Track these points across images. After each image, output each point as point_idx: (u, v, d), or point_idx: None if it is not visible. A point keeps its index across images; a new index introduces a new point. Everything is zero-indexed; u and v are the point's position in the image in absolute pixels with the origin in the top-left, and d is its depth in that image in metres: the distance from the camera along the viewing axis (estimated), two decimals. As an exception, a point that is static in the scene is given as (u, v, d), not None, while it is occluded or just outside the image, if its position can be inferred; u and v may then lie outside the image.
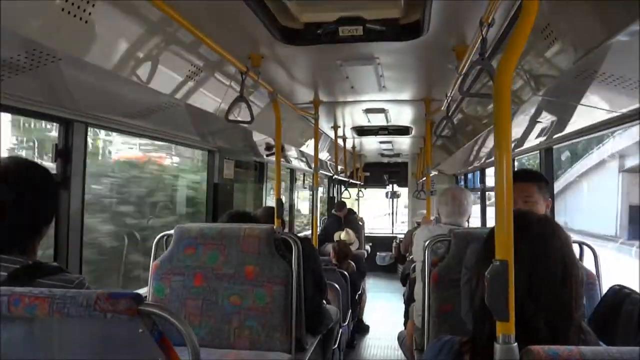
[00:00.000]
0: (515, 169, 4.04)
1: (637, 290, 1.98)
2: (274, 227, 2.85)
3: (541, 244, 1.18)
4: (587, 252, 2.54)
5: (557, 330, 1.13)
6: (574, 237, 2.06)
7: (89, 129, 2.58)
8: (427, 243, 2.53)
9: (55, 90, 2.13)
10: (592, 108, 2.39)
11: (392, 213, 12.28)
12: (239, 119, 3.03)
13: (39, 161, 1.77)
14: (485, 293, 1.07)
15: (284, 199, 6.73)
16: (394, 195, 11.77)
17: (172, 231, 2.84)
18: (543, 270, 1.16)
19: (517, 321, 1.08)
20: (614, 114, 2.38)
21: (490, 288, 1.05)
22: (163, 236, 2.89)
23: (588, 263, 2.47)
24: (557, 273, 1.16)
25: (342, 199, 9.26)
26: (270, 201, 5.57)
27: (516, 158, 4.44)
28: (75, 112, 2.38)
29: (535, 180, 2.38)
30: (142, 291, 2.96)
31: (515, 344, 1.02)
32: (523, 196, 2.30)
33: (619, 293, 2.03)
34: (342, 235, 6.74)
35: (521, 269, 1.14)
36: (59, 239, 2.40)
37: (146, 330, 1.20)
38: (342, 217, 7.94)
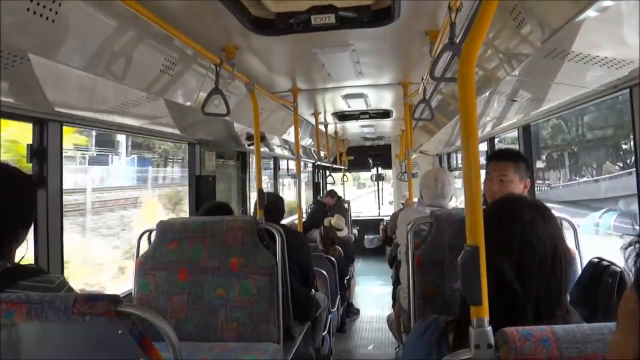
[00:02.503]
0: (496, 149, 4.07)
1: (616, 262, 2.02)
2: (257, 217, 2.86)
3: (532, 230, 1.19)
4: (566, 226, 2.58)
5: (543, 314, 1.15)
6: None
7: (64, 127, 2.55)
8: (409, 226, 2.54)
9: (27, 90, 2.09)
10: (566, 85, 2.41)
11: (378, 196, 12.33)
12: (216, 111, 3.01)
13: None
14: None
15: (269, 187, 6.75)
16: (379, 177, 11.80)
17: (154, 226, 2.83)
18: (532, 256, 1.17)
19: (505, 305, 1.10)
20: (587, 90, 2.41)
21: (462, 273, 1.06)
22: (145, 232, 2.88)
23: (568, 238, 2.51)
24: (546, 259, 1.17)
25: (330, 187, 9.28)
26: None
27: (497, 138, 4.48)
28: (49, 111, 2.35)
29: (512, 160, 2.39)
30: (127, 289, 2.96)
31: (490, 327, 1.04)
32: (498, 175, 2.32)
33: (598, 265, 2.07)
34: (333, 220, 6.75)
35: (511, 254, 1.16)
36: (39, 239, 2.38)
37: (126, 330, 1.20)
38: (327, 204, 7.97)
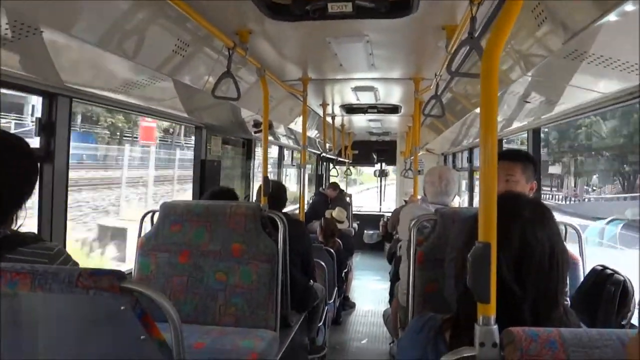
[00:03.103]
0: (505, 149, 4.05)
1: (619, 271, 2.01)
2: (261, 205, 2.85)
3: (530, 229, 1.17)
4: (571, 232, 2.57)
5: (540, 314, 1.13)
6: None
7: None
8: (413, 222, 2.53)
9: (38, 63, 2.08)
10: (581, 89, 2.39)
11: (380, 192, 12.32)
12: (226, 95, 3.00)
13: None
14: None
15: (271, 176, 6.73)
16: (382, 173, 11.79)
17: (157, 207, 2.83)
18: (531, 255, 1.16)
19: (502, 304, 1.09)
20: (602, 95, 2.39)
21: (472, 270, 1.05)
22: (149, 212, 2.87)
23: (572, 243, 2.50)
24: (544, 259, 1.16)
25: (332, 179, 9.26)
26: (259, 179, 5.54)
27: (504, 139, 4.46)
28: (59, 86, 2.34)
29: (520, 160, 2.38)
30: (127, 267, 2.95)
31: (496, 325, 1.03)
32: (505, 175, 2.31)
33: (601, 273, 2.07)
34: (335, 213, 6.74)
35: (509, 252, 1.15)
36: (42, 214, 2.37)
37: (128, 307, 1.19)
38: (329, 196, 7.96)
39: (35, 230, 2.36)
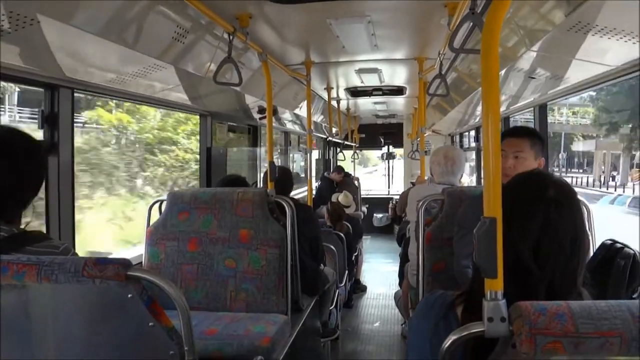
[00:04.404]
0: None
1: (629, 245, 2.00)
2: (267, 190, 2.85)
3: (555, 211, 1.15)
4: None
5: (556, 295, 1.12)
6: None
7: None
8: (420, 203, 2.53)
9: (38, 55, 2.08)
10: (587, 62, 2.35)
11: (388, 174, 12.30)
12: (228, 81, 2.98)
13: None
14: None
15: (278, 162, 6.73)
16: (390, 156, 11.76)
17: (164, 197, 2.83)
18: (552, 238, 1.14)
19: (517, 284, 1.08)
20: (610, 68, 2.35)
21: (479, 246, 1.04)
22: (156, 202, 2.88)
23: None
24: (566, 242, 1.14)
25: (339, 163, 9.23)
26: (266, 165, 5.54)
27: (511, 118, 4.42)
28: (60, 77, 2.33)
29: (527, 136, 2.36)
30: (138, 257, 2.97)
31: (504, 300, 1.02)
32: (514, 151, 2.29)
33: (611, 248, 2.05)
34: (340, 197, 6.73)
35: (530, 234, 1.13)
36: (50, 206, 2.38)
37: (135, 295, 1.20)
38: (334, 180, 7.94)
39: (44, 221, 2.39)
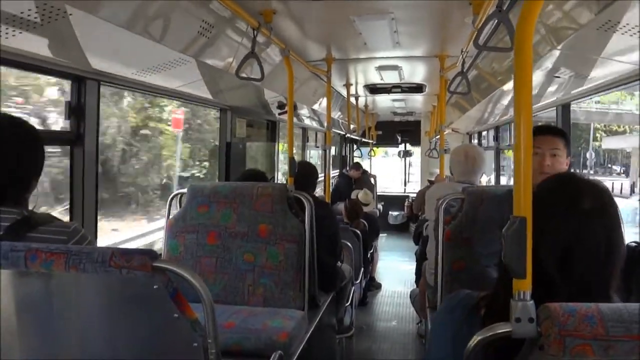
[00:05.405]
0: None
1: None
2: (287, 185, 2.85)
3: (588, 224, 1.10)
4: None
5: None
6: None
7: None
8: (440, 201, 2.51)
9: (67, 47, 2.10)
10: (613, 61, 2.32)
11: (405, 172, 12.25)
12: (250, 76, 2.99)
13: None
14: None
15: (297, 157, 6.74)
16: (407, 154, 11.71)
17: (185, 189, 2.85)
18: (583, 248, 1.09)
19: (540, 288, 1.05)
20: (635, 67, 2.31)
21: (507, 245, 1.03)
22: (177, 194, 2.90)
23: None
24: (599, 253, 1.09)
25: (356, 160, 9.23)
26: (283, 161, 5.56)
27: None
28: (87, 69, 2.36)
29: (562, 135, 2.33)
30: (157, 248, 3.00)
31: (532, 301, 1.01)
32: (551, 149, 2.25)
33: (635, 250, 2.02)
34: (360, 195, 6.71)
35: (558, 244, 1.10)
36: (74, 198, 2.41)
37: (161, 286, 1.21)
38: (352, 177, 7.93)
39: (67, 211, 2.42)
